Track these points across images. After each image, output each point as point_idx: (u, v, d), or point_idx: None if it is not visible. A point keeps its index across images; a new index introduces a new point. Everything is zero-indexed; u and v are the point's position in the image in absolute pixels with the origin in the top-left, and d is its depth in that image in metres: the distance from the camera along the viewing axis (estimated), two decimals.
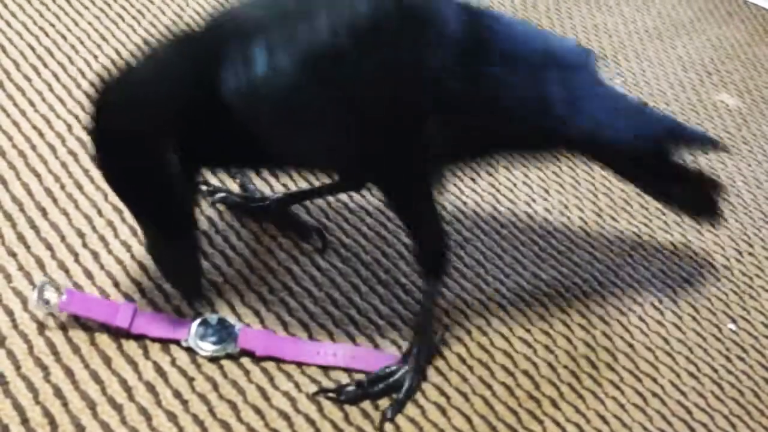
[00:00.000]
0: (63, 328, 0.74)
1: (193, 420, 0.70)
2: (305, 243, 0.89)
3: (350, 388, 0.75)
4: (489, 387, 0.79)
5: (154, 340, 0.75)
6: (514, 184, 1.06)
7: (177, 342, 0.75)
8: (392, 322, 0.83)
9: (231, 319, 0.77)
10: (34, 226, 0.82)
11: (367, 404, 0.75)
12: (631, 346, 0.88)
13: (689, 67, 1.41)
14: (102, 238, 0.83)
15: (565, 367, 0.83)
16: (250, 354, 0.75)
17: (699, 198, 0.92)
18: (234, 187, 0.93)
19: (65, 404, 0.68)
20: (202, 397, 0.72)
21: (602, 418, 0.80)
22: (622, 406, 0.81)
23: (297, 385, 0.75)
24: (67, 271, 0.79)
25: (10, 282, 0.77)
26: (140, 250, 0.81)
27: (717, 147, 0.91)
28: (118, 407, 0.69)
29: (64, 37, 1.06)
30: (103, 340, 0.74)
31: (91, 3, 1.14)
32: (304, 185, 0.95)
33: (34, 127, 0.93)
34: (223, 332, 0.76)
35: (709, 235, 1.06)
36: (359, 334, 0.81)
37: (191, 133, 0.67)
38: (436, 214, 0.78)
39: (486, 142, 0.78)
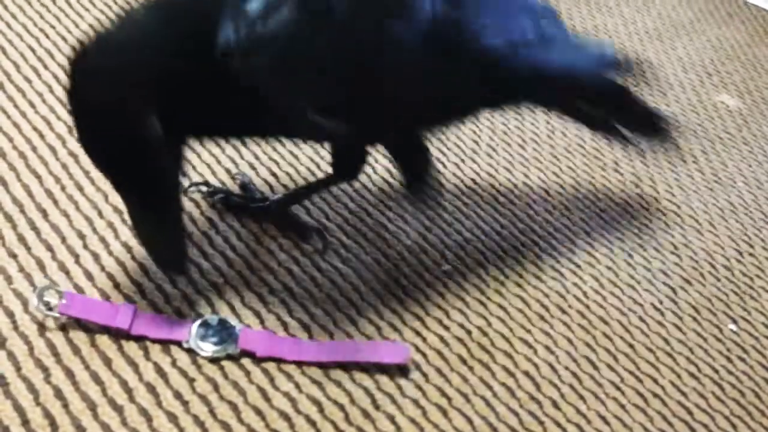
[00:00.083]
0: (63, 329, 0.74)
1: (194, 421, 0.70)
2: (306, 244, 0.89)
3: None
4: (490, 388, 0.79)
5: (154, 341, 0.74)
6: (515, 185, 1.06)
7: (178, 343, 0.75)
8: (392, 323, 0.83)
9: (231, 320, 0.77)
10: (34, 228, 0.82)
11: (368, 406, 0.75)
12: (631, 346, 0.88)
13: (689, 68, 1.41)
14: (103, 240, 0.83)
15: (566, 368, 0.83)
16: (250, 355, 0.75)
17: (645, 127, 0.97)
18: (234, 187, 0.93)
19: (66, 405, 0.68)
20: (203, 398, 0.72)
21: (603, 418, 0.80)
22: (623, 406, 0.81)
23: (298, 386, 0.74)
24: (67, 273, 0.79)
25: (10, 283, 0.77)
26: (141, 252, 0.81)
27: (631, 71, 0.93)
28: (118, 408, 0.69)
29: (64, 39, 1.06)
30: (104, 341, 0.74)
31: (91, 5, 1.14)
32: (303, 184, 0.95)
33: (35, 129, 0.93)
34: (224, 333, 0.76)
35: (710, 235, 1.06)
36: (360, 335, 0.81)
37: (176, 99, 0.65)
38: (424, 144, 0.83)
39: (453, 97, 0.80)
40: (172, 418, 0.70)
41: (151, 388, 0.71)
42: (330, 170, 0.90)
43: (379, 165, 1.02)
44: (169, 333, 0.75)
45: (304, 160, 0.99)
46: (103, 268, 0.80)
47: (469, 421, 0.76)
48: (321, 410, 0.73)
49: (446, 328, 0.84)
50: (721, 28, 1.55)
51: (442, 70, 0.75)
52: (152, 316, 0.76)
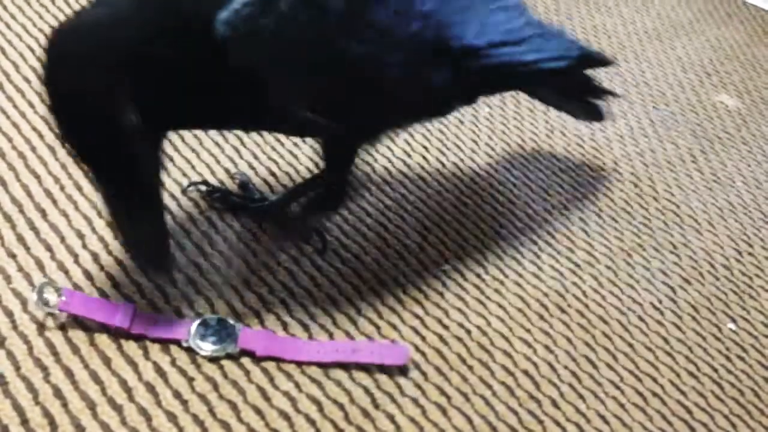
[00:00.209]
0: (62, 328, 0.74)
1: (193, 420, 0.70)
2: (305, 244, 0.89)
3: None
4: (489, 387, 0.79)
5: (153, 340, 0.74)
6: (514, 185, 1.06)
7: (177, 342, 0.75)
8: (392, 322, 0.83)
9: (231, 319, 0.77)
10: (33, 228, 0.82)
11: (368, 405, 0.75)
12: (630, 345, 0.88)
13: (689, 68, 1.41)
14: (102, 239, 0.83)
15: (566, 367, 0.83)
16: (250, 354, 0.75)
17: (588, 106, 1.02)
18: (233, 187, 0.93)
19: (65, 405, 0.68)
20: (202, 398, 0.72)
21: (602, 417, 0.80)
22: (622, 405, 0.81)
23: (297, 385, 0.74)
24: (66, 272, 0.79)
25: (9, 283, 0.77)
26: None
27: (607, 63, 0.95)
28: (118, 408, 0.69)
29: None
30: (103, 340, 0.74)
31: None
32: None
33: (34, 129, 0.93)
34: (223, 332, 0.76)
35: (709, 234, 1.06)
36: (359, 335, 0.81)
37: (154, 84, 0.62)
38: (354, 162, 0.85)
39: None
40: (172, 417, 0.70)
41: (151, 388, 0.71)
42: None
43: (378, 165, 1.02)
44: (169, 332, 0.75)
45: (304, 159, 0.99)
46: (102, 268, 0.80)
47: (469, 420, 0.76)
48: (320, 409, 0.73)
49: (445, 327, 0.84)
50: (720, 28, 1.55)
51: (425, 66, 0.76)
52: (151, 316, 0.76)
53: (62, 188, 0.87)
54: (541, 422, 0.78)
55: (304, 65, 0.68)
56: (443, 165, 1.05)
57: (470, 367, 0.81)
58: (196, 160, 0.95)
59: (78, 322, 0.74)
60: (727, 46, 1.50)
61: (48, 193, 0.86)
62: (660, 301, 0.94)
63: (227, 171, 0.95)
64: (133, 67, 0.61)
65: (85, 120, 0.62)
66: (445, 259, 0.92)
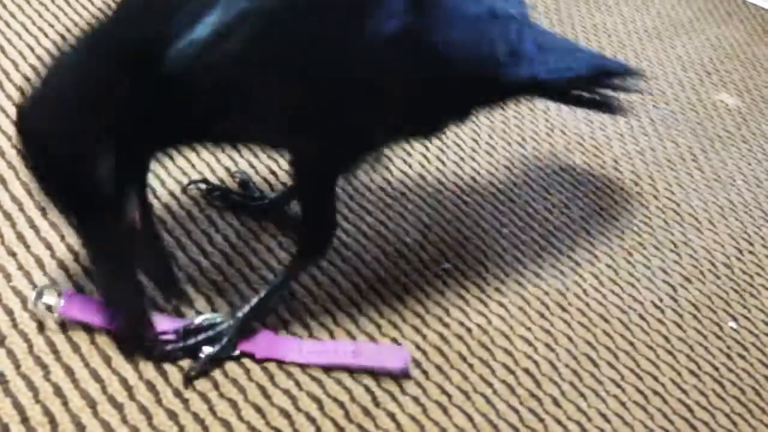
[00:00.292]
0: (63, 327, 0.73)
1: (194, 418, 0.70)
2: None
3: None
4: (490, 385, 0.79)
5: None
6: (515, 183, 1.06)
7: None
8: (393, 320, 0.83)
9: (232, 320, 0.77)
10: (33, 226, 0.82)
11: (369, 403, 0.74)
12: (631, 344, 0.88)
13: (688, 67, 1.41)
14: None
15: (567, 365, 0.83)
16: (250, 355, 0.75)
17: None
18: (233, 185, 0.93)
19: (65, 403, 0.68)
20: (203, 396, 0.71)
21: (604, 416, 0.79)
22: (623, 404, 0.81)
23: (298, 384, 0.74)
24: (66, 271, 0.78)
25: (9, 281, 0.76)
26: None
27: (634, 74, 0.93)
28: (118, 406, 0.69)
29: (64, 38, 1.06)
30: (103, 338, 0.73)
31: (90, 3, 1.13)
32: None
33: None
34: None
35: (709, 233, 1.06)
36: (360, 333, 0.81)
37: (131, 124, 0.62)
38: (334, 200, 0.79)
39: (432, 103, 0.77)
40: (172, 415, 0.70)
41: (151, 386, 0.71)
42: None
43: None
44: (169, 324, 0.74)
45: None
46: None
47: (470, 418, 0.76)
48: (321, 408, 0.73)
49: (446, 325, 0.84)
50: (720, 26, 1.55)
51: (407, 79, 0.72)
52: (152, 315, 0.76)
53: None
54: (542, 420, 0.77)
55: (263, 98, 0.65)
56: (443, 163, 1.05)
57: (471, 366, 0.80)
58: (196, 158, 0.95)
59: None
60: (727, 45, 1.50)
61: None
62: (661, 300, 0.94)
63: (227, 169, 0.95)
64: (104, 123, 0.62)
65: (61, 181, 0.62)
66: (445, 257, 0.92)
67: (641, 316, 0.91)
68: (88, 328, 0.74)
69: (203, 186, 0.91)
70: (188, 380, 0.71)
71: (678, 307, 0.94)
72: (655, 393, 0.83)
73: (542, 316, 0.88)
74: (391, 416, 0.74)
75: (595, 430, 0.78)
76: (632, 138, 1.20)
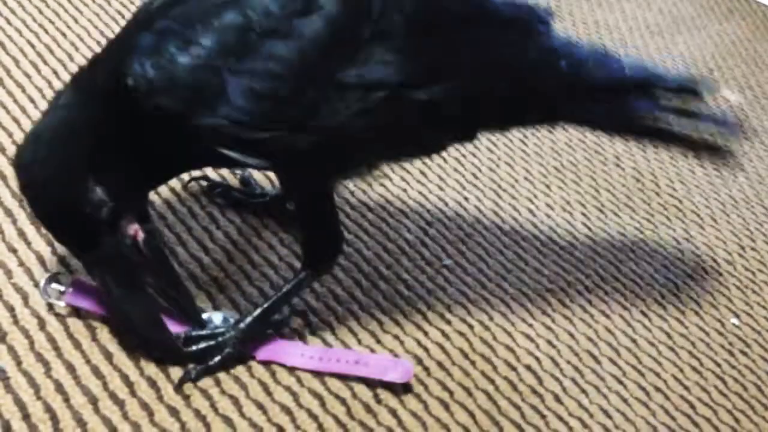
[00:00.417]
0: (64, 323, 0.73)
1: (195, 415, 0.70)
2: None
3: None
4: (492, 382, 0.79)
5: None
6: (516, 180, 1.05)
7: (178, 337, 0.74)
8: (394, 317, 0.83)
9: (232, 318, 0.77)
10: (34, 222, 0.82)
11: (371, 400, 0.74)
12: (633, 341, 0.87)
13: (690, 64, 1.40)
14: None
15: (568, 362, 0.83)
16: (250, 357, 0.75)
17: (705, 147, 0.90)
18: (234, 182, 0.93)
19: (67, 399, 0.68)
20: (204, 392, 0.71)
21: (605, 412, 0.79)
22: (625, 400, 0.81)
23: (299, 380, 0.74)
24: (67, 267, 0.78)
25: (10, 278, 0.76)
26: None
27: (693, 89, 0.85)
28: (119, 402, 0.69)
29: (63, 35, 1.06)
30: (105, 335, 0.73)
31: (90, 0, 1.13)
32: None
33: (34, 124, 0.92)
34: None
35: (711, 230, 1.06)
36: (361, 330, 0.80)
37: (115, 155, 0.66)
38: (334, 211, 0.77)
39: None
40: (174, 412, 0.69)
41: (152, 382, 0.71)
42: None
43: None
44: (171, 327, 0.74)
45: None
46: None
47: (471, 414, 0.76)
48: (323, 404, 0.73)
49: (448, 322, 0.84)
50: (722, 23, 1.55)
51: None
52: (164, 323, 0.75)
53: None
54: (543, 417, 0.77)
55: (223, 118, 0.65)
56: (445, 160, 1.05)
57: (473, 362, 0.80)
58: None
59: (80, 316, 0.74)
60: (729, 42, 1.50)
61: None
62: (663, 296, 0.94)
63: (229, 166, 0.95)
64: (89, 156, 0.66)
65: (58, 218, 0.67)
66: (446, 254, 0.92)
67: (643, 313, 0.91)
68: (90, 325, 0.74)
69: (204, 183, 0.91)
70: (180, 385, 0.71)
71: (680, 304, 0.94)
72: (657, 389, 0.83)
73: (544, 312, 0.88)
74: (393, 413, 0.74)
75: (597, 427, 0.78)
76: None
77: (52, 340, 0.72)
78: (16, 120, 0.92)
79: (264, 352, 0.75)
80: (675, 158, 1.17)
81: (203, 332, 0.74)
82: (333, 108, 0.67)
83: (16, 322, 0.73)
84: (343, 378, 0.75)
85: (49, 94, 0.96)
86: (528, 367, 0.81)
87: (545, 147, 1.13)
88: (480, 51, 0.74)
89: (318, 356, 0.76)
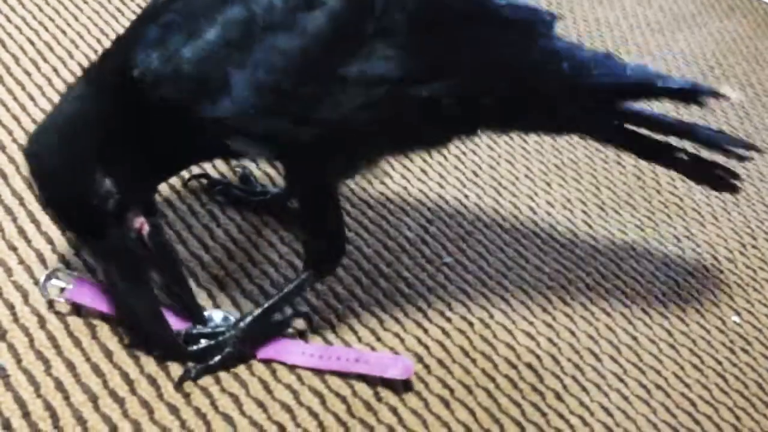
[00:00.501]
0: (64, 321, 0.73)
1: (195, 413, 0.70)
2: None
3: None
4: (492, 380, 0.79)
5: None
6: (516, 178, 1.05)
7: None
8: (394, 315, 0.83)
9: (233, 316, 0.77)
10: (34, 220, 0.82)
11: (371, 398, 0.74)
12: (634, 338, 0.87)
13: (691, 61, 1.40)
14: None
15: (569, 359, 0.83)
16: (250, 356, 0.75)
17: (709, 165, 0.90)
18: (235, 179, 0.93)
19: (67, 397, 0.68)
20: (204, 390, 0.71)
21: (606, 410, 0.79)
22: (626, 398, 0.81)
23: (299, 378, 0.74)
24: (68, 265, 0.78)
25: (10, 276, 0.76)
26: None
27: (696, 94, 0.83)
28: (119, 400, 0.69)
29: (63, 32, 1.06)
30: (105, 333, 0.73)
31: None
32: None
33: (34, 122, 0.92)
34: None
35: (712, 227, 1.06)
36: (362, 327, 0.80)
37: (122, 147, 0.67)
38: (339, 213, 0.77)
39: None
40: (174, 410, 0.69)
41: (153, 380, 0.71)
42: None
43: None
44: (172, 323, 0.74)
45: None
46: None
47: (472, 412, 0.76)
48: (323, 402, 0.73)
49: (448, 319, 0.84)
50: (722, 20, 1.55)
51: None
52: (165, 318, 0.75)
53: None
54: (544, 415, 0.77)
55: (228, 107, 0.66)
56: (445, 158, 1.05)
57: (473, 360, 0.80)
58: None
59: (80, 314, 0.74)
60: (730, 39, 1.49)
61: None
62: (664, 294, 0.94)
63: (229, 164, 0.94)
64: (97, 148, 0.67)
65: (66, 207, 0.68)
66: (447, 251, 0.92)
67: (644, 310, 0.91)
68: (90, 323, 0.74)
69: (205, 180, 0.91)
70: (180, 383, 0.71)
71: (681, 301, 0.94)
72: (658, 387, 0.83)
73: (544, 310, 0.88)
74: (393, 410, 0.74)
75: (598, 425, 0.78)
76: None
77: (52, 338, 0.72)
78: (15, 118, 0.92)
79: (265, 351, 0.75)
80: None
81: (204, 330, 0.74)
82: (335, 102, 0.68)
83: (16, 320, 0.73)
84: (344, 376, 0.75)
85: (49, 91, 0.96)
86: (529, 365, 0.81)
87: (546, 145, 1.12)
88: (481, 50, 0.75)
89: (318, 354, 0.76)
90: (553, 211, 1.02)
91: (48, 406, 0.67)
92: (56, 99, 0.95)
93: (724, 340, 0.90)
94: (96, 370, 0.70)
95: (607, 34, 1.41)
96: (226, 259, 0.84)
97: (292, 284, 0.76)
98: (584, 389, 0.81)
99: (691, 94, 0.83)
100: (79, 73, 0.99)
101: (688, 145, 0.89)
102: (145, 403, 0.69)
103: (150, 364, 0.72)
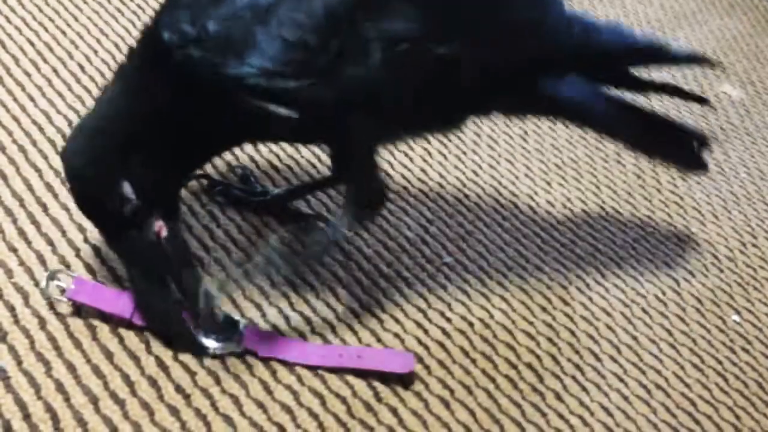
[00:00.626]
0: (64, 323, 0.73)
1: (196, 414, 0.70)
2: (307, 235, 0.88)
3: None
4: (492, 380, 0.79)
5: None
6: (516, 177, 1.05)
7: None
8: (395, 315, 0.83)
9: (235, 315, 0.77)
10: (35, 222, 0.82)
11: (371, 398, 0.74)
12: (634, 338, 0.87)
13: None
14: None
15: (569, 359, 0.83)
16: (253, 352, 0.75)
17: (684, 150, 0.94)
18: (235, 180, 0.93)
19: (67, 399, 0.68)
20: (205, 392, 0.71)
21: (606, 410, 0.79)
22: (626, 398, 0.81)
23: (300, 379, 0.74)
24: (68, 267, 0.78)
25: (11, 277, 0.76)
26: None
27: (701, 61, 0.90)
28: (120, 402, 0.69)
29: (63, 33, 1.06)
30: (105, 334, 0.73)
31: None
32: (305, 179, 0.95)
33: (34, 123, 0.92)
34: (228, 330, 0.75)
35: (713, 226, 1.06)
36: (362, 328, 0.80)
37: (164, 146, 0.69)
38: (378, 167, 0.80)
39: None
40: (174, 411, 0.69)
41: (153, 382, 0.71)
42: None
43: (380, 157, 1.01)
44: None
45: (305, 152, 0.99)
46: (104, 262, 0.80)
47: (472, 413, 0.76)
48: (323, 403, 0.73)
49: (448, 320, 0.84)
50: (723, 18, 1.54)
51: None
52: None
53: (63, 182, 0.86)
54: (544, 415, 0.77)
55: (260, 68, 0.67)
56: (445, 157, 1.05)
57: (473, 360, 0.80)
58: None
59: (80, 316, 0.74)
60: (731, 37, 1.49)
61: (49, 187, 0.85)
62: (664, 293, 0.94)
63: (229, 164, 0.95)
64: (126, 155, 0.69)
65: (89, 208, 0.71)
66: (447, 251, 0.92)
67: (644, 310, 0.91)
68: (90, 324, 0.74)
69: (205, 181, 0.91)
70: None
71: (681, 301, 0.94)
72: (658, 387, 0.83)
73: (544, 310, 0.88)
74: (393, 411, 0.74)
75: (598, 425, 0.78)
76: None
77: (52, 339, 0.72)
78: (15, 119, 0.92)
79: (266, 349, 0.75)
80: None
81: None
82: (357, 60, 0.69)
83: (16, 321, 0.73)
84: (344, 376, 0.75)
85: (49, 92, 0.96)
86: (529, 365, 0.81)
87: (546, 144, 1.12)
88: (498, 12, 0.77)
89: (320, 354, 0.76)
90: (554, 210, 1.02)
91: (49, 408, 0.67)
92: (56, 100, 0.95)
93: (724, 340, 0.90)
94: (96, 371, 0.71)
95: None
96: (226, 260, 0.84)
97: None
98: (584, 389, 0.81)
99: (695, 60, 0.89)
100: (79, 73, 1.00)
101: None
102: (145, 405, 0.69)
103: (150, 365, 0.72)
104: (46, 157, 0.89)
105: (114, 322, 0.74)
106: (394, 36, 0.70)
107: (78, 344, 0.72)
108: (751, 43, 1.49)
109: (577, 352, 0.84)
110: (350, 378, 0.75)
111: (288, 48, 0.67)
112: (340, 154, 0.81)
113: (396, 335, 0.81)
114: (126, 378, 0.71)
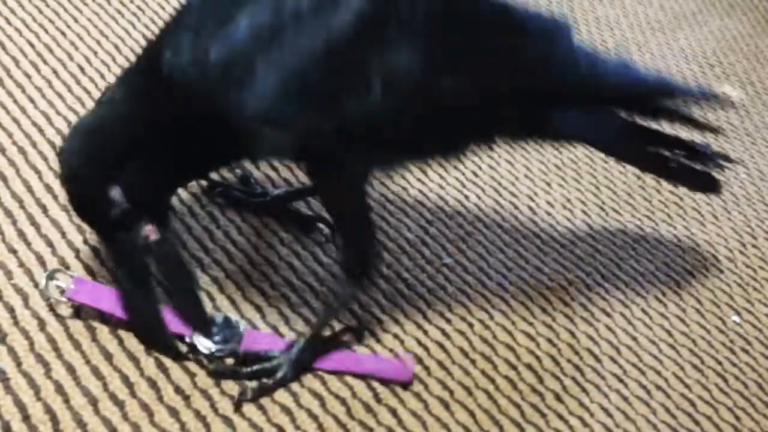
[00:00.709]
0: (64, 324, 0.73)
1: (195, 415, 0.70)
2: (307, 237, 0.88)
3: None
4: (492, 381, 0.79)
5: None
6: (516, 178, 1.05)
7: (180, 337, 0.74)
8: (395, 317, 0.83)
9: (234, 316, 0.77)
10: (34, 223, 0.82)
11: (371, 399, 0.74)
12: (634, 338, 0.87)
13: (692, 59, 1.40)
14: None
15: (569, 360, 0.83)
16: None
17: (696, 171, 0.92)
18: (235, 181, 0.93)
19: (67, 400, 0.68)
20: (204, 393, 0.71)
21: (606, 411, 0.79)
22: (625, 399, 0.81)
23: (299, 380, 0.74)
24: (68, 268, 0.78)
25: (10, 279, 0.76)
26: None
27: (709, 99, 0.88)
28: (119, 403, 0.69)
29: (63, 34, 1.06)
30: (105, 335, 0.73)
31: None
32: (305, 180, 0.95)
33: (34, 124, 0.92)
34: (228, 331, 0.75)
35: (713, 227, 1.06)
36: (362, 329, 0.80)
37: (158, 156, 0.69)
38: (370, 218, 0.78)
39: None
40: (174, 412, 0.69)
41: (152, 383, 0.71)
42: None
43: None
44: (172, 327, 0.74)
45: None
46: (103, 263, 0.80)
47: (471, 413, 0.76)
48: (323, 404, 0.73)
49: (448, 320, 0.84)
50: (723, 19, 1.54)
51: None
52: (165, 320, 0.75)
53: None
54: (544, 416, 0.77)
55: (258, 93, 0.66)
56: None
57: (473, 361, 0.80)
58: None
59: (80, 317, 0.74)
60: (731, 37, 1.49)
61: (49, 189, 0.85)
62: (664, 294, 0.94)
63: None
64: (119, 159, 0.69)
65: (80, 208, 0.71)
66: (447, 252, 0.92)
67: (644, 311, 0.91)
68: (90, 326, 0.74)
69: (204, 182, 0.90)
70: (237, 406, 0.71)
71: (681, 301, 0.94)
72: (658, 388, 0.83)
73: (544, 311, 0.88)
74: (393, 412, 0.74)
75: (598, 426, 0.78)
76: None
77: (52, 340, 0.72)
78: (15, 120, 0.92)
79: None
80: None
81: (260, 355, 0.75)
82: (358, 92, 0.68)
83: (16, 323, 0.73)
84: (343, 377, 0.75)
85: (49, 93, 0.96)
86: (528, 366, 0.81)
87: (546, 144, 1.12)
88: (504, 50, 0.75)
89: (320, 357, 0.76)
90: (553, 211, 1.02)
91: (48, 409, 0.67)
92: (57, 101, 0.95)
93: (724, 340, 0.90)
94: (96, 372, 0.71)
95: (608, 33, 1.41)
96: (225, 261, 0.84)
97: (338, 301, 0.78)
98: (584, 390, 0.81)
99: (705, 99, 0.87)
100: (79, 75, 1.00)
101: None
102: (145, 406, 0.69)
103: (150, 367, 0.72)
104: (45, 159, 0.89)
105: (114, 323, 0.74)
106: (397, 70, 0.69)
107: (77, 345, 0.72)
108: (751, 44, 1.49)
109: (576, 353, 0.84)
110: (350, 379, 0.75)
111: (288, 79, 0.66)
112: (330, 199, 0.78)
113: (395, 336, 0.81)
114: (125, 379, 0.71)
